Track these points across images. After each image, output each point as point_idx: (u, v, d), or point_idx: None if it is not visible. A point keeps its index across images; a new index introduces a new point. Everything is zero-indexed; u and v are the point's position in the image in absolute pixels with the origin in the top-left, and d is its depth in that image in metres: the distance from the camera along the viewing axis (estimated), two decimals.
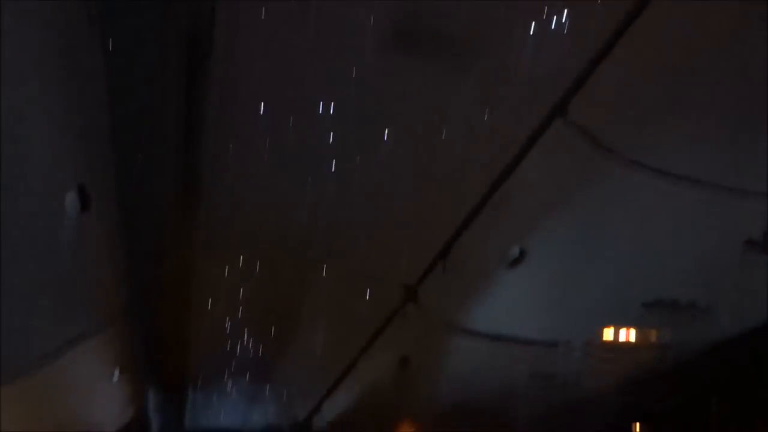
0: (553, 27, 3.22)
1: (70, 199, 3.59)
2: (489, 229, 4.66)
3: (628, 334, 5.63)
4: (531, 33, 3.30)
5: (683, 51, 3.35)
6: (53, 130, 3.15)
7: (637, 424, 9.23)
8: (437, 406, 7.27)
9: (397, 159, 4.31)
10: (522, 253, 4.73)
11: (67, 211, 3.60)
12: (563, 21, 3.20)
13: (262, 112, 3.79)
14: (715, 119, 3.72)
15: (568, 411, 7.73)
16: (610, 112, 3.70)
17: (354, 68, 3.52)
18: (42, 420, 5.64)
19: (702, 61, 3.40)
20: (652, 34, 3.27)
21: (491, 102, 3.82)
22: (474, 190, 4.50)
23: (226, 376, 7.35)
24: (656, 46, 3.32)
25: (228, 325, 6.19)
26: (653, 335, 5.67)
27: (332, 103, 3.81)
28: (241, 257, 5.22)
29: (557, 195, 4.36)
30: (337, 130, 3.99)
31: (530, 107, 3.80)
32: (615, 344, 5.73)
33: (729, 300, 5.36)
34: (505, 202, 4.45)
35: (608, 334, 5.64)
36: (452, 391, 6.83)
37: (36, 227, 3.56)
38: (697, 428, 7.85)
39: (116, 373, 5.68)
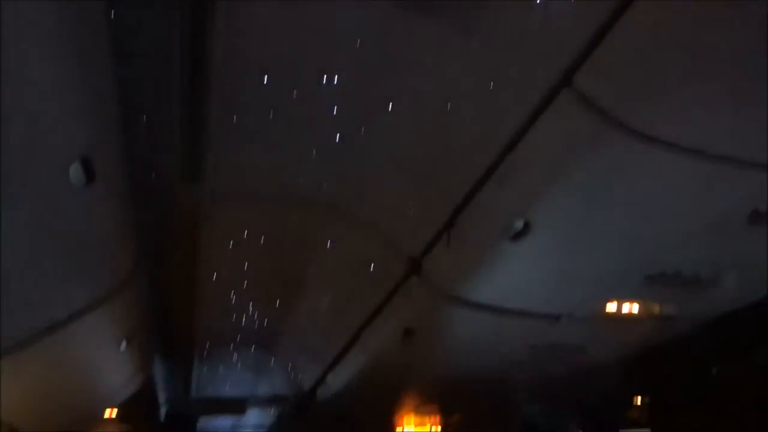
0: None
1: (75, 170, 3.60)
2: (493, 201, 4.65)
3: (631, 307, 5.64)
4: (537, 1, 3.26)
5: (691, 21, 3.30)
6: (59, 97, 3.14)
7: (638, 396, 9.32)
8: (440, 376, 7.34)
9: (402, 130, 4.29)
10: (526, 226, 4.71)
11: (72, 182, 3.61)
12: None
13: (268, 77, 3.76)
14: (722, 90, 3.67)
15: (569, 382, 7.80)
16: (617, 82, 3.65)
17: (361, 30, 3.48)
18: (50, 388, 5.72)
19: (710, 32, 3.35)
20: (659, 4, 3.22)
21: (498, 72, 3.78)
22: (479, 162, 4.48)
23: (231, 347, 7.42)
24: (664, 16, 3.27)
25: (233, 297, 6.23)
26: (656, 308, 5.68)
27: (336, 74, 3.78)
28: (246, 230, 5.23)
29: (562, 167, 4.33)
30: (343, 99, 3.97)
31: (537, 77, 3.75)
32: (618, 317, 5.74)
33: (733, 273, 5.35)
34: (510, 174, 4.43)
35: (611, 306, 5.64)
36: (455, 362, 6.88)
37: (42, 197, 3.58)
38: (698, 400, 7.92)
39: (123, 342, 5.74)
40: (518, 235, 4.69)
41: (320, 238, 5.38)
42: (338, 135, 4.34)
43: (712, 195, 4.56)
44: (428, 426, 8.87)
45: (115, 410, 8.10)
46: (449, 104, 4.06)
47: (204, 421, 9.10)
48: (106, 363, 6.13)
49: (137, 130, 4.07)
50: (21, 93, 2.92)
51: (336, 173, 4.72)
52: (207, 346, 7.40)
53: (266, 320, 6.77)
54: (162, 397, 8.49)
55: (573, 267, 5.03)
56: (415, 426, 8.83)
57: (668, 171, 4.21)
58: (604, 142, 4.04)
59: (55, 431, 6.45)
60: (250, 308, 6.54)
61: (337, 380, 7.82)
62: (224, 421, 9.57)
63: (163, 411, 8.64)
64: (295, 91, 3.91)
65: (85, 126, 3.49)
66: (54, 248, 4.02)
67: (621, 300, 5.60)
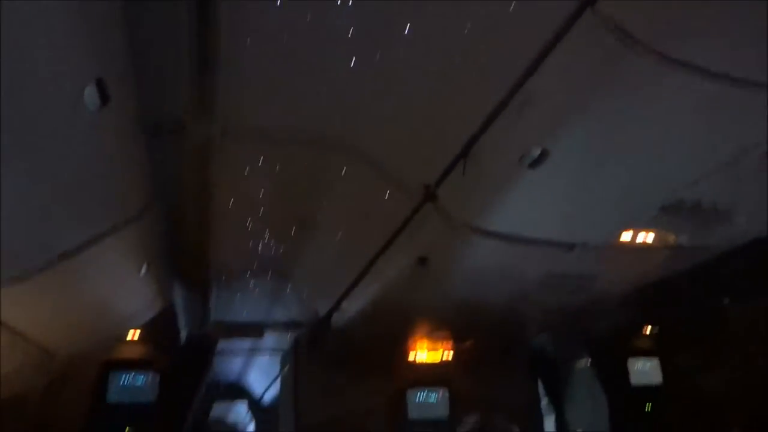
0: None
1: (89, 92, 3.58)
2: (511, 129, 4.57)
3: (646, 237, 5.62)
4: None
5: None
6: (68, 20, 3.09)
7: (649, 327, 9.45)
8: (453, 304, 7.47)
9: (417, 55, 4.18)
10: (543, 154, 4.65)
11: (86, 105, 3.59)
12: None
13: (279, 7, 3.67)
14: (753, 12, 3.52)
15: (579, 312, 7.91)
16: (642, 2, 3.51)
17: None
18: (76, 309, 5.92)
19: None
20: None
21: None
22: (497, 88, 4.39)
23: (248, 275, 7.57)
24: None
25: (249, 227, 6.30)
26: (671, 238, 5.66)
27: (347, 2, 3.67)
28: (258, 165, 5.22)
29: (582, 93, 4.23)
30: (355, 23, 3.87)
31: None
32: (632, 246, 5.74)
33: (751, 203, 5.30)
34: (529, 101, 4.34)
35: (626, 236, 5.63)
36: (468, 290, 6.98)
37: (56, 123, 3.58)
38: (709, 333, 8.02)
39: (144, 267, 5.86)
40: (535, 163, 4.64)
41: (333, 170, 5.37)
42: (351, 64, 4.25)
43: (735, 121, 4.45)
44: (440, 352, 9.11)
45: (138, 333, 8.40)
46: (465, 30, 3.94)
47: (223, 344, 9.41)
48: (128, 287, 6.31)
49: (147, 63, 4.02)
50: (27, 22, 2.88)
51: (348, 105, 4.65)
52: (224, 274, 7.56)
53: (282, 249, 6.87)
54: (182, 321, 8.75)
55: (590, 195, 4.99)
56: (428, 352, 9.07)
57: (690, 96, 4.10)
58: (626, 68, 3.92)
59: (83, 350, 6.72)
60: (266, 238, 6.62)
61: (351, 307, 7.99)
62: (242, 344, 9.90)
63: (183, 335, 8.92)
64: (306, 23, 3.81)
65: (96, 55, 3.44)
66: (73, 174, 4.05)
67: (636, 229, 5.58)
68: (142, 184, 4.90)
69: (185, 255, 6.83)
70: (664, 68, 3.84)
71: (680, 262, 6.51)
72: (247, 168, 5.14)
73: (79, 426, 7.91)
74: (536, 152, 4.64)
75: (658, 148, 4.68)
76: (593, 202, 5.09)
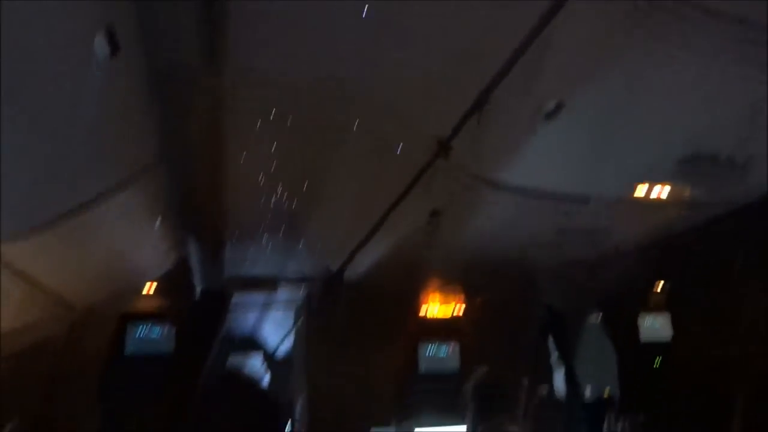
0: None
1: (99, 42, 3.54)
2: (526, 80, 4.49)
3: (661, 190, 5.55)
4: None
5: None
6: None
7: (661, 283, 9.42)
8: (465, 258, 7.48)
9: (432, 4, 4.09)
10: (558, 106, 4.57)
11: (96, 55, 3.56)
12: None
13: None
14: None
15: (591, 266, 7.90)
16: None
17: None
18: (87, 264, 5.99)
19: None
20: None
21: None
22: (512, 38, 4.29)
23: (261, 229, 7.60)
24: None
25: (261, 179, 6.29)
26: (686, 192, 5.60)
27: None
28: (270, 113, 5.17)
29: (598, 44, 4.14)
30: None
31: None
32: (647, 201, 5.68)
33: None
34: (544, 50, 4.25)
35: (642, 189, 5.56)
36: (480, 243, 6.98)
37: (66, 73, 3.55)
38: (722, 287, 7.97)
39: (158, 219, 5.89)
40: (551, 115, 4.56)
41: (346, 122, 5.31)
42: (366, 13, 4.16)
43: (757, 76, 4.35)
44: (452, 306, 9.17)
45: (154, 287, 8.52)
46: None
47: (237, 297, 9.53)
48: (143, 239, 6.36)
49: (156, 11, 3.95)
50: None
51: (361, 54, 4.57)
52: (238, 228, 7.59)
53: (294, 203, 6.86)
54: (197, 276, 8.85)
55: (606, 147, 4.92)
56: (439, 306, 9.13)
57: (708, 45, 4.00)
58: (644, 16, 3.82)
59: (101, 303, 6.83)
60: (278, 191, 6.61)
61: (364, 261, 8.03)
62: (256, 297, 10.02)
63: (198, 289, 9.03)
64: None
65: (105, 3, 3.40)
66: (83, 125, 4.04)
67: (652, 183, 5.51)
68: (154, 135, 4.89)
69: (200, 207, 6.85)
70: (684, 15, 3.73)
71: (695, 217, 6.45)
72: (259, 119, 5.09)
73: (99, 376, 8.10)
74: (552, 104, 4.57)
75: (676, 100, 4.59)
76: (609, 155, 5.03)
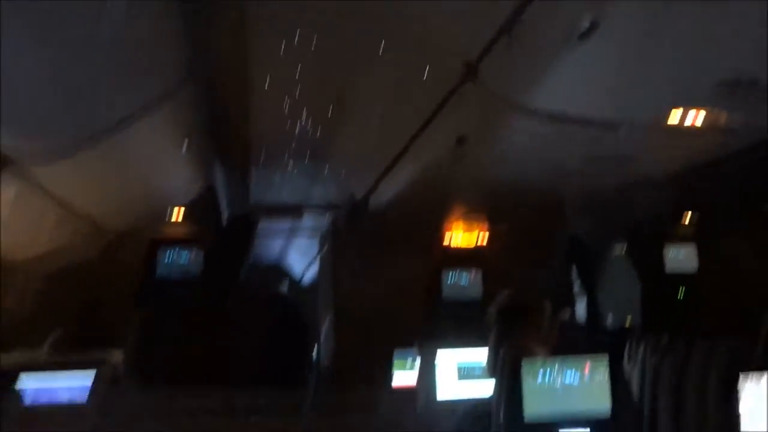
0: None
1: None
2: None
3: (696, 115, 5.37)
4: None
5: None
6: None
7: (689, 213, 9.28)
8: (490, 185, 7.43)
9: None
10: (593, 26, 4.38)
11: None
12: None
13: None
14: None
15: (620, 197, 7.80)
16: None
17: None
18: (116, 188, 6.08)
19: None
20: None
21: None
22: None
23: (286, 156, 7.61)
24: None
25: (287, 105, 6.24)
26: (723, 117, 5.40)
27: None
28: (295, 38, 5.06)
29: None
30: None
31: None
32: (680, 127, 5.51)
33: None
34: None
35: (675, 115, 5.38)
36: (506, 170, 6.91)
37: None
38: (746, 222, 7.84)
39: (185, 143, 5.93)
40: (583, 36, 4.38)
41: (371, 46, 5.19)
42: None
43: None
44: (476, 234, 9.17)
45: (182, 213, 8.65)
46: None
47: (264, 223, 9.66)
48: (170, 163, 6.42)
49: None
50: None
51: None
52: (263, 155, 7.61)
53: (320, 129, 6.83)
54: (223, 202, 8.96)
55: (641, 70, 4.73)
56: (463, 233, 9.15)
57: None
58: None
59: (130, 227, 6.97)
60: (304, 117, 6.57)
61: (388, 188, 8.03)
62: (282, 224, 10.15)
63: (225, 215, 9.16)
64: None
65: None
66: (105, 46, 4.00)
67: (687, 108, 5.33)
68: (178, 56, 4.84)
69: (226, 133, 6.87)
70: None
71: (730, 146, 6.27)
72: (283, 40, 5.00)
73: (130, 299, 8.37)
74: (585, 24, 4.38)
75: (718, 22, 4.37)
76: (644, 78, 4.84)
